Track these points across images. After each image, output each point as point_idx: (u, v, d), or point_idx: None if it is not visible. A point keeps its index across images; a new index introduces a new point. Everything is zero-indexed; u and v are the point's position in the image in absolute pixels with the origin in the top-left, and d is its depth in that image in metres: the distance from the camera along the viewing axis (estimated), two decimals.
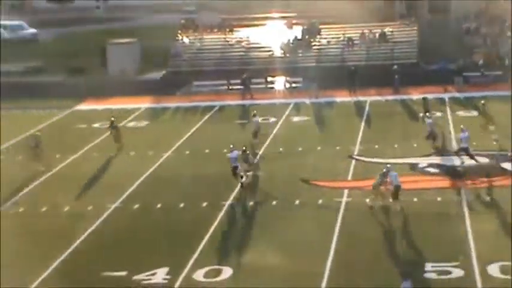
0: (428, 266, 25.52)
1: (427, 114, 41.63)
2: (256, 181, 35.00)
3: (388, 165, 32.14)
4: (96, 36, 77.05)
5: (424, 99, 45.57)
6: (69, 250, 28.13)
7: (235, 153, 34.49)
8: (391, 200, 31.06)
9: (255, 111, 43.27)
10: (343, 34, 63.42)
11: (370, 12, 64.98)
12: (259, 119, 42.63)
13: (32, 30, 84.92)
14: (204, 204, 32.33)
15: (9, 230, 30.44)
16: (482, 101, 43.99)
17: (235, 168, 34.16)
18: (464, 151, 36.17)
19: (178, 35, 65.64)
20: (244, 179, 34.11)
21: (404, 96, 51.10)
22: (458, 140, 37.25)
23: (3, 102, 53.51)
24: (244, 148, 35.46)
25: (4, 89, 57.97)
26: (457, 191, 32.61)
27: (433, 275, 24.98)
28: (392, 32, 62.09)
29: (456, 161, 36.34)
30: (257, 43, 64.05)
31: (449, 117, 45.15)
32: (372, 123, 45.00)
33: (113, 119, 42.36)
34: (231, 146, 35.37)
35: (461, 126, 37.58)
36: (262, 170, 36.36)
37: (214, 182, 35.22)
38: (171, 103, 53.48)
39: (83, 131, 44.62)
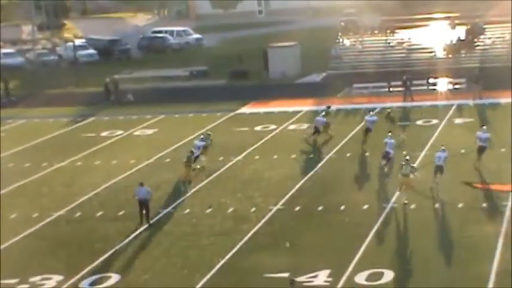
0: None
1: None
2: (418, 183, 34.52)
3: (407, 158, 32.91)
4: (258, 40, 78.24)
5: None
6: (233, 251, 28.63)
7: (202, 143, 39.21)
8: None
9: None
10: (509, 33, 61.57)
11: None
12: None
13: (197, 36, 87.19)
14: (365, 206, 32.19)
15: (176, 230, 31.33)
16: None
17: (192, 153, 38.02)
18: None
19: (339, 37, 65.64)
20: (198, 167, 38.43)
21: None
22: None
23: (167, 107, 55.16)
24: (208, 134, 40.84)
25: (170, 93, 59.79)
26: None
27: None
28: None
29: None
30: (419, 44, 63.16)
31: None
32: None
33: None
34: (202, 136, 40.04)
35: None
36: (422, 172, 35.81)
37: (374, 185, 35.02)
38: (332, 105, 53.44)
39: (244, 134, 45.28)
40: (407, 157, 33.24)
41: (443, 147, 34.18)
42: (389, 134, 37.98)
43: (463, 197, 32.25)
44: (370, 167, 37.82)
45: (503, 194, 32.51)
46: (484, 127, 38.20)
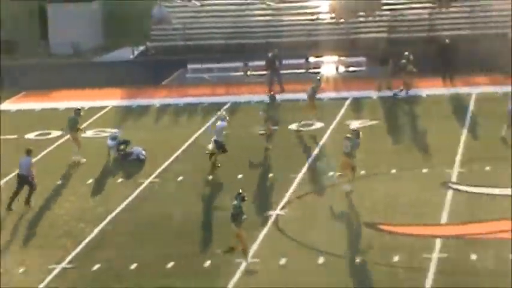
0: None
1: None
2: (289, 223, 35.08)
3: None
4: None
5: None
6: None
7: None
8: None
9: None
10: None
11: None
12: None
13: None
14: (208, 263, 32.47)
15: None
16: None
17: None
18: None
19: None
20: None
21: None
22: None
23: None
24: None
25: None
26: None
27: None
28: None
29: None
30: (293, 0, 64.18)
31: None
32: (479, 130, 44.81)
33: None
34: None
35: None
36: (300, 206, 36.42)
37: (203, 220, 35.48)
38: (153, 99, 53.64)
39: (7, 145, 44.90)
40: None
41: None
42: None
43: (363, 247, 32.92)
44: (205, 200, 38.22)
45: (427, 241, 33.36)
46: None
